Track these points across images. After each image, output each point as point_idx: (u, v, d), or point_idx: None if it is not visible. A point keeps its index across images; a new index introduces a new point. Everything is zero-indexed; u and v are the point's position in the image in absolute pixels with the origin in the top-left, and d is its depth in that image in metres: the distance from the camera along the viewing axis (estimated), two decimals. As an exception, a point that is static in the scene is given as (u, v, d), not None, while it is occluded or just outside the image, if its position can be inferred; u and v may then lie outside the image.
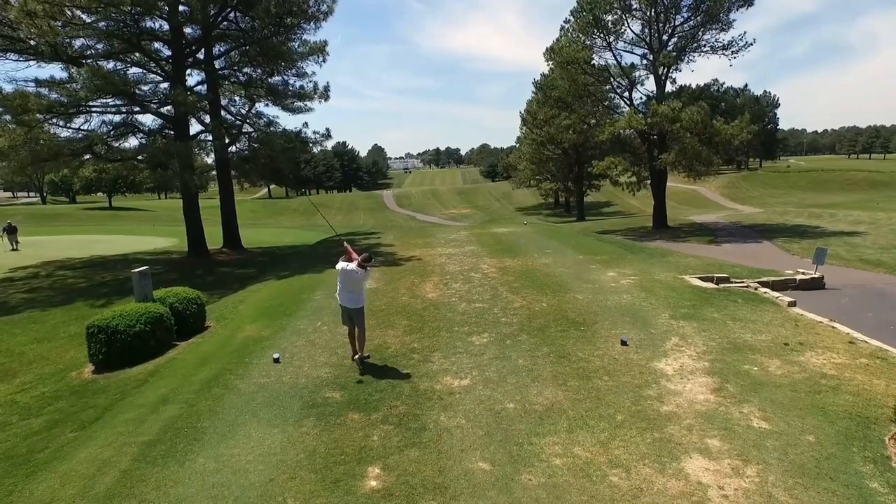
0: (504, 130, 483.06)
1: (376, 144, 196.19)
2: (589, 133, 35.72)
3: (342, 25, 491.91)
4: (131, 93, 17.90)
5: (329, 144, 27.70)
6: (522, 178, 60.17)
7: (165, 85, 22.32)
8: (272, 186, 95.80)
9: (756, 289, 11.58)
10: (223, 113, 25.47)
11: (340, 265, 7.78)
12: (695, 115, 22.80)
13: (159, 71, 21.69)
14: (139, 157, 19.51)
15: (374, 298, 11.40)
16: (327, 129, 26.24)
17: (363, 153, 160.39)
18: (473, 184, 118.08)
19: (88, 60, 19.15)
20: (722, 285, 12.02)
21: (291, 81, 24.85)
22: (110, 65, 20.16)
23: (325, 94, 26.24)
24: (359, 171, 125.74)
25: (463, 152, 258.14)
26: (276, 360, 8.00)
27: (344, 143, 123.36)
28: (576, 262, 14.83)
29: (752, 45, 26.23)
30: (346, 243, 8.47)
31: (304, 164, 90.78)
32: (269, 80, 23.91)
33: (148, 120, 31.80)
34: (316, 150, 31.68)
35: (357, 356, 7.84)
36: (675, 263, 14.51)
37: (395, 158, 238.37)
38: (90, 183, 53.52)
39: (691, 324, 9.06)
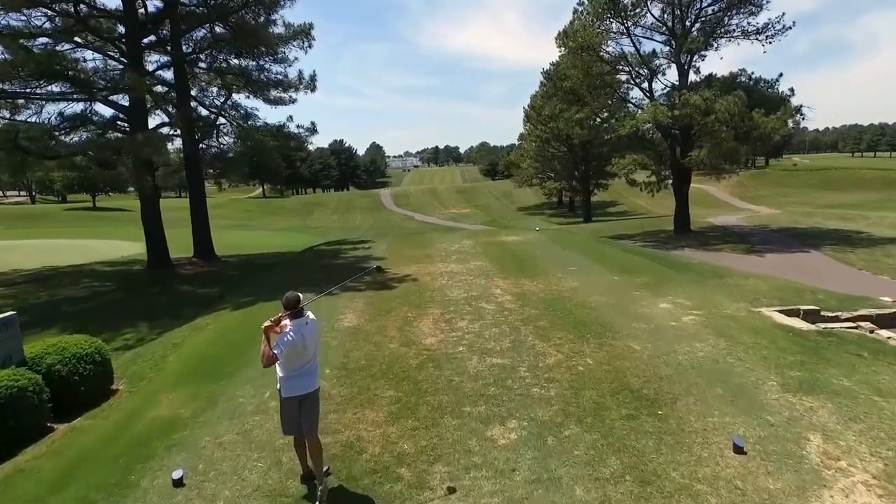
0: (504, 128, 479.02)
1: (374, 142, 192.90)
2: (599, 129, 32.50)
3: (343, 24, 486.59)
4: (66, 74, 14.69)
5: (316, 140, 24.42)
6: (525, 176, 56.96)
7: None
8: (266, 185, 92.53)
9: (872, 331, 8.45)
10: (194, 104, 22.32)
11: (287, 338, 4.62)
12: (731, 107, 19.63)
13: (117, 54, 18.46)
14: (83, 154, 16.26)
15: (352, 345, 8.25)
16: (312, 123, 23.07)
17: (361, 152, 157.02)
18: (473, 182, 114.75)
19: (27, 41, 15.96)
20: (821, 325, 8.87)
21: (271, 68, 21.63)
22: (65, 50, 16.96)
23: (311, 85, 23.09)
24: (356, 170, 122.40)
25: (462, 150, 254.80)
26: (178, 483, 4.84)
27: (341, 140, 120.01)
28: (611, 284, 11.68)
29: (791, 27, 23.05)
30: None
31: (299, 163, 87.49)
32: (243, 64, 20.69)
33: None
34: (308, 146, 28.55)
35: (312, 473, 4.72)
36: (737, 288, 11.36)
37: (394, 157, 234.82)
38: (72, 182, 50.11)
39: (821, 402, 5.93)
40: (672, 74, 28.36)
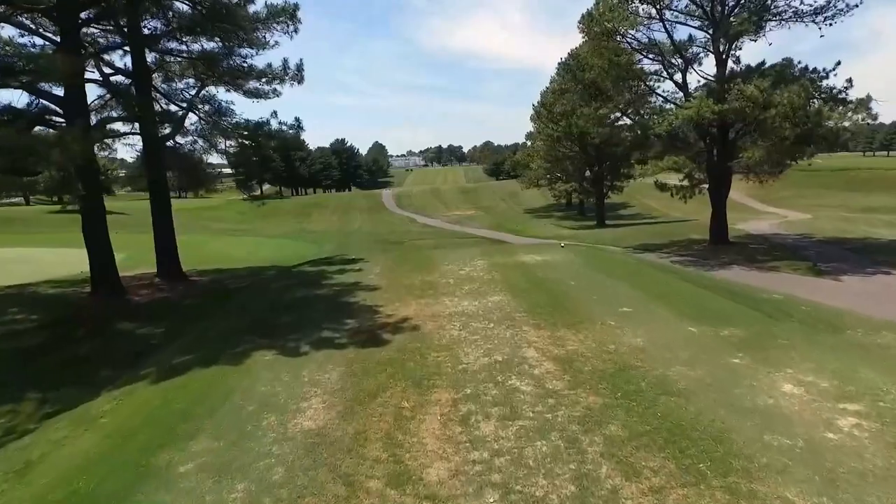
0: (508, 127, 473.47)
1: (377, 142, 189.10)
2: (622, 127, 29.06)
3: (343, 23, 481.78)
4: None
5: (314, 139, 20.98)
6: (534, 177, 53.48)
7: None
8: (265, 186, 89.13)
9: None
10: (159, 97, 18.96)
11: None
12: (796, 99, 16.15)
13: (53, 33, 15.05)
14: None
15: (305, 483, 4.81)
16: (297, 119, 19.72)
17: (364, 151, 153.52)
18: (476, 182, 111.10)
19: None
20: None
21: (244, 53, 18.21)
22: None
23: (298, 76, 19.68)
24: (358, 170, 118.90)
25: (465, 150, 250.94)
26: None
27: (342, 140, 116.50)
28: (691, 342, 8.21)
29: (857, 6, 19.48)
30: None
31: (298, 162, 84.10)
32: (210, 48, 17.27)
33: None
34: (298, 143, 25.25)
35: None
36: (879, 350, 7.86)
37: (397, 156, 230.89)
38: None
39: None
40: (707, 65, 24.80)
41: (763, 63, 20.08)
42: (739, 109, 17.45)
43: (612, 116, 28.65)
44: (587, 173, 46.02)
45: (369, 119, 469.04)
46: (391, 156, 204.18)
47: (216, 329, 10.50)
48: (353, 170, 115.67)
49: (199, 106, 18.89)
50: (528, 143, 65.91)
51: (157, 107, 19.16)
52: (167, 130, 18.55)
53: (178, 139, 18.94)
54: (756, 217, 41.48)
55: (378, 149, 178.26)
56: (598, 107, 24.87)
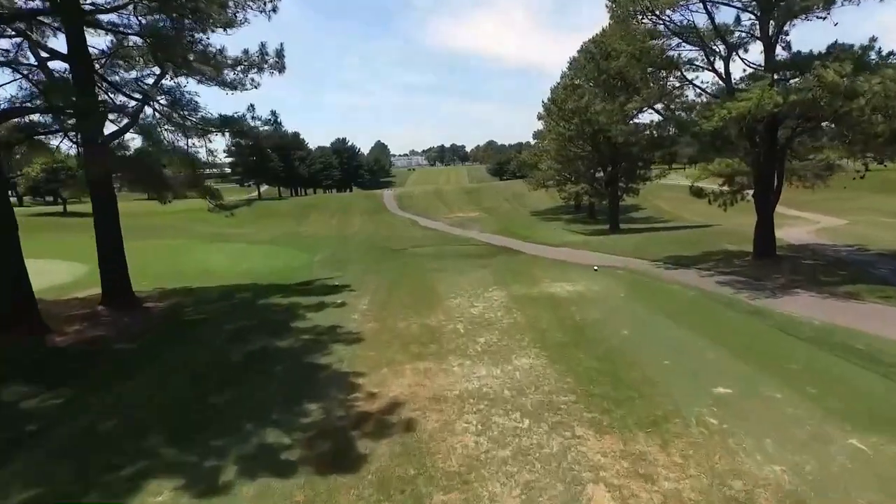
0: (511, 127, 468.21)
1: (379, 141, 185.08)
2: (650, 125, 25.61)
3: (345, 21, 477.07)
4: None
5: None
6: (542, 178, 50.00)
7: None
8: (264, 187, 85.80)
9: None
10: (107, 87, 15.63)
11: None
12: (891, 87, 12.71)
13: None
14: None
15: None
16: (273, 113, 16.24)
17: (366, 150, 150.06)
18: (480, 182, 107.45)
19: None
20: None
21: (207, 39, 14.84)
22: None
23: (278, 64, 16.36)
24: (360, 169, 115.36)
25: (468, 149, 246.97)
26: None
27: (343, 139, 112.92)
28: (865, 468, 4.87)
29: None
30: None
31: (297, 162, 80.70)
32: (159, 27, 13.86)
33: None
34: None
35: None
36: None
37: (399, 156, 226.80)
38: (36, 184, 43.61)
39: None
40: (755, 51, 21.30)
41: (837, 43, 16.38)
42: (812, 101, 13.99)
43: (635, 112, 25.22)
44: (600, 174, 42.51)
45: (371, 118, 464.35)
46: (393, 155, 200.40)
47: (120, 413, 7.10)
48: (355, 169, 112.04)
49: (158, 98, 15.52)
50: (535, 143, 62.37)
51: (110, 100, 15.93)
52: (116, 126, 15.24)
53: (131, 136, 15.60)
54: (785, 223, 37.71)
55: (380, 148, 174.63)
56: (625, 101, 21.38)
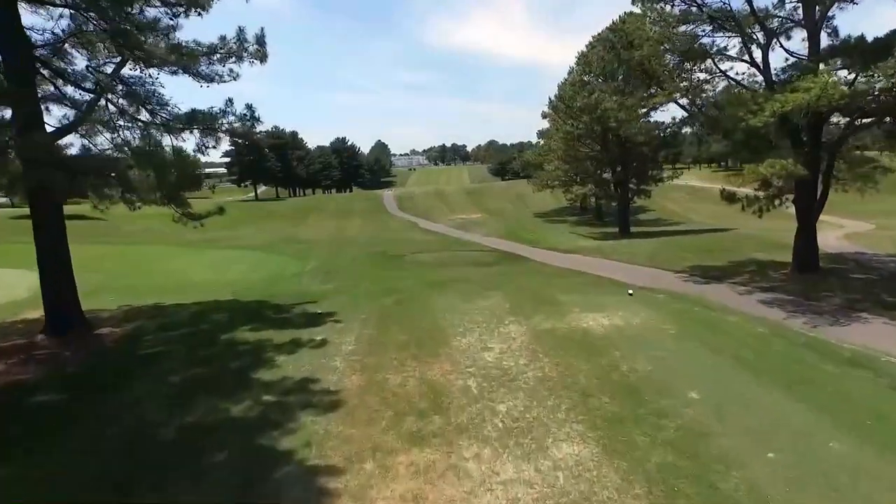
0: (512, 126, 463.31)
1: (380, 140, 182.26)
2: (673, 124, 23.17)
3: (345, 21, 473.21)
4: None
5: (301, 136, 14.92)
6: (548, 178, 47.63)
7: None
8: (261, 188, 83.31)
9: None
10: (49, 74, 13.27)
11: None
12: None
13: None
14: None
15: None
16: (249, 107, 13.83)
17: (366, 150, 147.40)
18: (482, 183, 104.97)
19: None
20: None
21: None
22: None
23: (259, 52, 14.02)
24: (360, 169, 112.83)
25: (469, 148, 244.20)
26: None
27: (343, 138, 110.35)
28: None
29: None
30: None
31: (295, 162, 78.26)
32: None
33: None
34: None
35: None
36: None
37: (400, 155, 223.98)
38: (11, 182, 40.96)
39: None
40: (797, 39, 18.86)
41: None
42: (887, 90, 11.61)
43: (657, 107, 22.79)
44: (607, 175, 40.12)
45: (372, 117, 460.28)
46: (394, 154, 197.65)
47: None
48: (354, 169, 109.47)
49: (116, 90, 13.16)
50: (541, 142, 59.97)
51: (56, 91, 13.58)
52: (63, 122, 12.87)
53: (82, 133, 13.25)
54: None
55: (380, 147, 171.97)
56: (650, 94, 19.00)
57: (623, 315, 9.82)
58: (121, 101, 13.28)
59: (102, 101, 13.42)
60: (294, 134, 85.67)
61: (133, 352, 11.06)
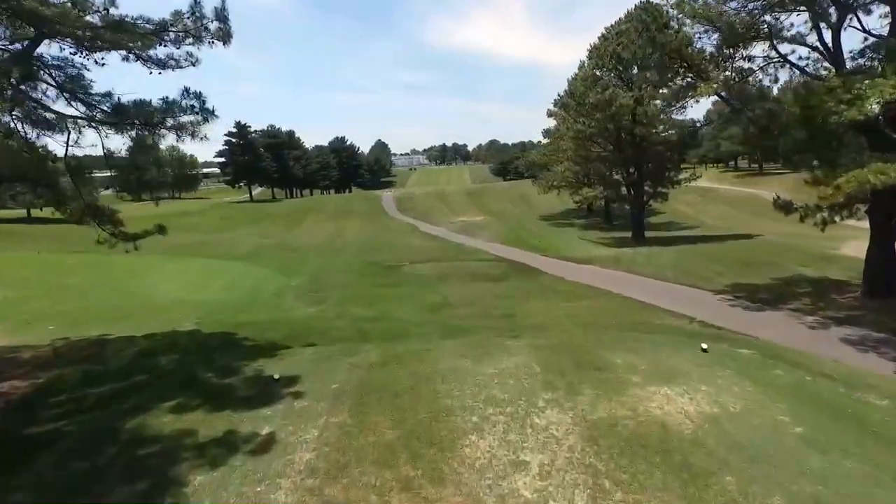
0: (513, 126, 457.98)
1: (380, 140, 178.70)
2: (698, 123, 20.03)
3: (345, 21, 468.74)
4: None
5: (210, 128, 11.68)
6: (555, 179, 44.49)
7: None
8: (257, 189, 80.00)
9: None
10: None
11: None
12: None
13: None
14: None
15: None
16: (198, 95, 10.63)
17: (366, 149, 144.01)
18: (483, 183, 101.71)
19: None
20: None
21: None
22: None
23: (221, 31, 10.83)
24: (359, 169, 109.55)
25: (470, 148, 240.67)
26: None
27: (342, 138, 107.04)
28: None
29: None
30: None
31: (292, 162, 75.03)
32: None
33: None
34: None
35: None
36: None
37: (400, 155, 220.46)
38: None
39: None
40: (876, 15, 15.62)
41: None
42: None
43: (698, 100, 19.57)
44: (617, 176, 36.92)
45: (372, 117, 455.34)
46: (394, 154, 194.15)
47: None
48: (354, 169, 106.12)
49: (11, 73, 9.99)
50: (545, 142, 56.72)
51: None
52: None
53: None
54: (847, 234, 31.55)
55: (380, 147, 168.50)
56: (689, 84, 15.83)
57: (709, 392, 6.61)
58: (14, 85, 10.12)
59: None
60: (291, 133, 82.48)
61: (19, 428, 7.90)
